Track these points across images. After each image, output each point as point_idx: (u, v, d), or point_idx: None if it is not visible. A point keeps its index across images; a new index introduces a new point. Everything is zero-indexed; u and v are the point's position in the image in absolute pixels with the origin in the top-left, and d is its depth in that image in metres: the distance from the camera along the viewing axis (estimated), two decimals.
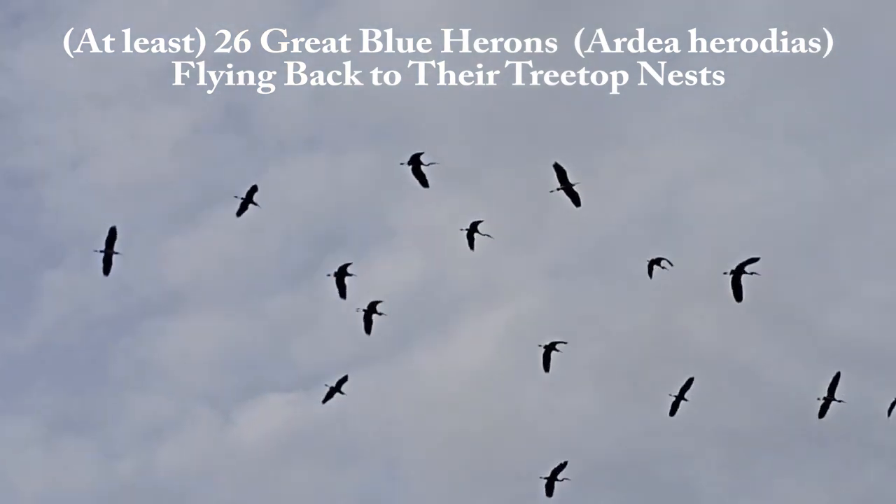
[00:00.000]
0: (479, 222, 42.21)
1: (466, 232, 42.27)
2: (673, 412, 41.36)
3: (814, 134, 54.26)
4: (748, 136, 57.08)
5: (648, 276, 41.86)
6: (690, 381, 46.30)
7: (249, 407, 60.29)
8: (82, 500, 59.64)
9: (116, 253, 42.02)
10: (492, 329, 56.92)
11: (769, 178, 60.15)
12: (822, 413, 42.38)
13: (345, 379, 45.11)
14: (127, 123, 66.98)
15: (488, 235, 42.14)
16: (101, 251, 42.02)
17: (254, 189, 42.92)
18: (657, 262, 41.79)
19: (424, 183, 41.52)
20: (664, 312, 55.50)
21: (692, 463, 55.07)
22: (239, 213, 43.12)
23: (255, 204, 42.92)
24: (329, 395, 46.18)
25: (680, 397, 45.50)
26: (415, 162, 40.85)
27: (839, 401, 42.29)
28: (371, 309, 42.66)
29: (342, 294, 42.45)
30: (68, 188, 67.33)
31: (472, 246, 42.49)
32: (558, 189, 41.52)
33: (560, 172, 40.23)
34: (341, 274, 42.15)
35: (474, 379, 57.06)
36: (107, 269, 42.42)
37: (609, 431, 56.00)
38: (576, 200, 42.21)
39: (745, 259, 44.46)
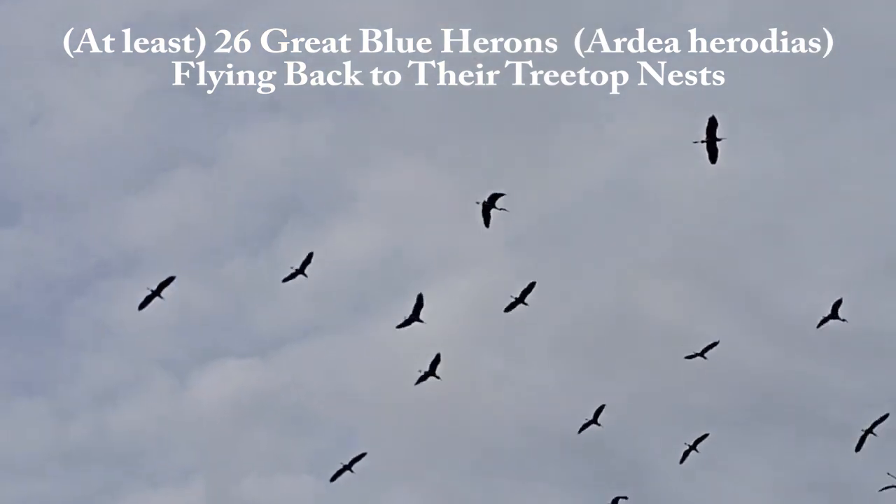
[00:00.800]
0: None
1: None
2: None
3: (774, 113, 54.59)
4: (711, 112, 57.06)
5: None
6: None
7: (205, 372, 60.14)
8: (35, 461, 59.36)
9: (161, 297, 41.10)
10: (451, 299, 56.99)
11: (730, 155, 60.43)
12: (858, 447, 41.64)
13: (361, 457, 43.56)
14: (86, 83, 66.30)
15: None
16: (151, 290, 41.10)
17: (309, 258, 41.89)
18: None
19: (487, 222, 40.35)
20: (623, 287, 55.77)
21: (647, 438, 55.45)
22: (286, 279, 42.28)
23: (305, 275, 41.97)
24: (339, 473, 44.78)
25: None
26: (491, 201, 39.82)
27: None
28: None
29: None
30: (26, 146, 66.63)
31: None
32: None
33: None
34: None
35: (433, 349, 57.10)
36: (143, 305, 41.47)
37: (565, 404, 56.25)
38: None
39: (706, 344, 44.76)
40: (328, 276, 58.61)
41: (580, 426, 41.69)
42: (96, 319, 63.12)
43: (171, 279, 40.70)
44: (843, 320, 42.67)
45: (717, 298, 54.22)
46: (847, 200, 57.06)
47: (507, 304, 42.26)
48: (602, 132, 57.77)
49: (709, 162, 37.97)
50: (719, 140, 36.93)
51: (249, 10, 61.53)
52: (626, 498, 39.62)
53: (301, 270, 41.31)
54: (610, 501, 40.83)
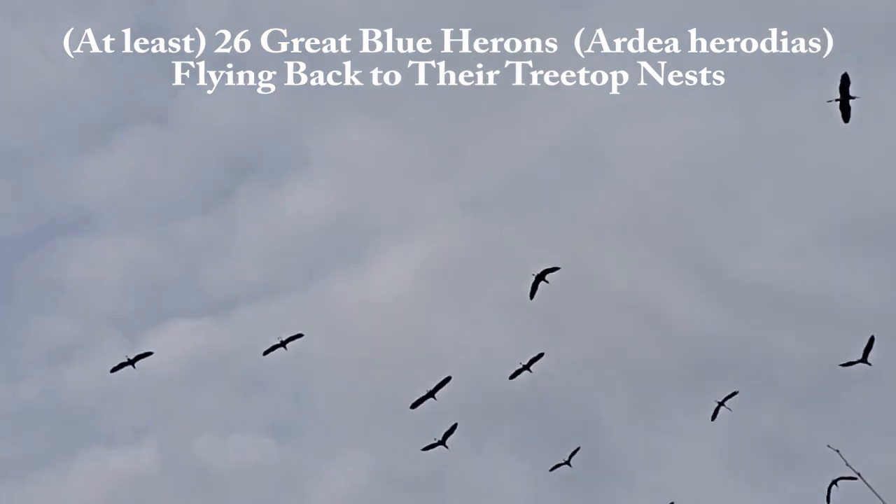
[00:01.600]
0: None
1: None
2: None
3: (731, 75, 54.71)
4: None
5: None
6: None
7: (158, 331, 59.91)
8: None
9: (134, 367, 40.42)
10: (407, 260, 57.05)
11: (686, 118, 60.73)
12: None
13: (453, 428, 42.95)
14: (38, 37, 65.56)
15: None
16: (128, 359, 40.51)
17: (297, 336, 41.35)
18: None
19: (533, 294, 39.84)
20: (578, 249, 55.96)
21: (599, 401, 55.89)
22: (266, 352, 41.78)
23: (285, 348, 41.48)
24: (433, 446, 44.17)
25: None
26: (543, 274, 39.38)
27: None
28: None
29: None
30: None
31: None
32: None
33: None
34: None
35: (387, 310, 57.28)
36: (114, 370, 40.79)
37: (516, 366, 56.50)
38: None
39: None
40: (282, 236, 58.52)
41: (513, 372, 41.40)
42: (48, 278, 62.75)
43: (148, 354, 40.42)
44: (869, 364, 42.22)
45: (669, 261, 54.59)
46: (799, 165, 57.53)
47: (513, 370, 41.94)
48: (559, 96, 57.83)
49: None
50: (853, 98, 36.59)
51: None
52: (578, 449, 39.81)
53: (284, 344, 41.09)
54: (567, 456, 41.01)
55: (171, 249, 60.90)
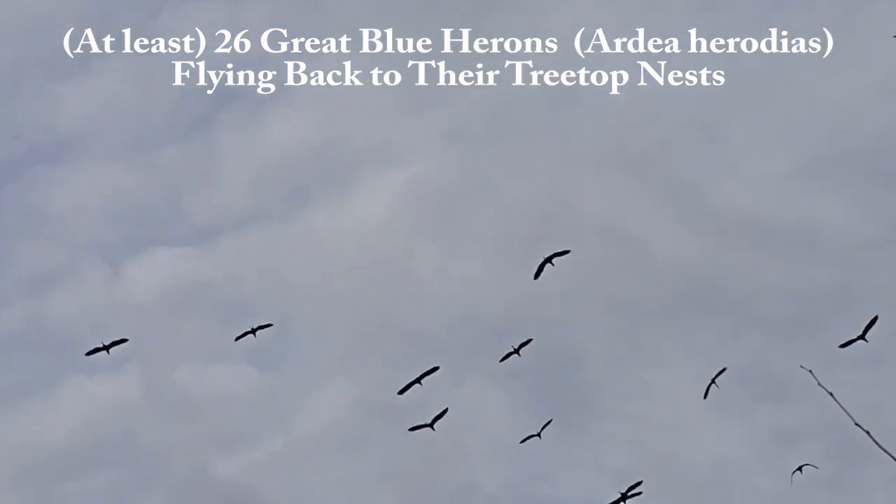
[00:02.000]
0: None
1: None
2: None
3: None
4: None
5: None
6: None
7: (139, 260, 59.74)
8: None
9: (108, 353, 39.61)
10: (388, 190, 56.88)
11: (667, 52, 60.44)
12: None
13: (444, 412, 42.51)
14: None
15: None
16: (103, 346, 39.69)
17: (267, 326, 40.53)
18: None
19: (538, 275, 39.18)
20: (559, 181, 55.90)
21: (580, 331, 56.08)
22: (238, 338, 41.05)
23: (255, 335, 40.56)
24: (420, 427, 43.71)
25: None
26: (551, 257, 38.75)
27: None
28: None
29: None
30: None
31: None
32: None
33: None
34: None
35: (370, 239, 57.18)
36: (91, 352, 40.01)
37: (499, 297, 56.69)
38: None
39: None
40: (264, 164, 58.31)
41: (503, 355, 40.84)
42: (29, 205, 62.41)
43: (123, 340, 39.78)
44: (867, 341, 41.46)
45: (650, 193, 54.59)
46: (781, 96, 57.34)
47: (504, 353, 41.51)
48: (539, 23, 57.49)
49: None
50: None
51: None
52: (550, 422, 39.89)
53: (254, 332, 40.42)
54: (539, 428, 41.06)
55: (153, 177, 60.61)
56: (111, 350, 38.55)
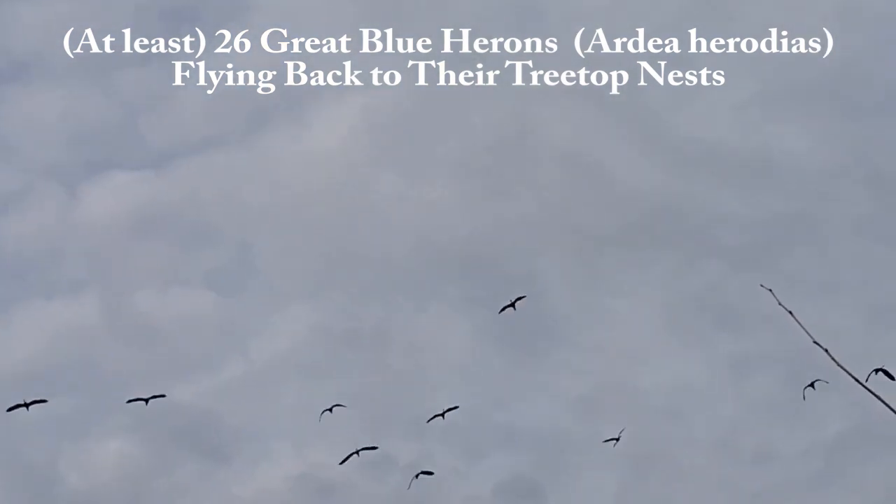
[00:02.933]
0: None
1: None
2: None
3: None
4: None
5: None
6: None
7: (96, 183, 59.21)
8: None
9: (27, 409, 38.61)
10: (348, 115, 56.48)
11: None
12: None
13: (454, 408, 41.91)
14: None
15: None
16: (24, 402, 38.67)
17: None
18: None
19: (502, 310, 38.82)
20: (522, 108, 55.73)
21: (540, 257, 56.21)
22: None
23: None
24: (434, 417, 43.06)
25: None
26: (514, 301, 38.52)
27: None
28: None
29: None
30: None
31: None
32: None
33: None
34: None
35: (330, 164, 56.88)
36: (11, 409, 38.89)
37: (461, 223, 56.66)
38: None
39: None
40: (222, 88, 57.67)
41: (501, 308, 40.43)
42: None
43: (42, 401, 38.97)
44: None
45: (612, 121, 54.52)
46: (739, 23, 57.12)
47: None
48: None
49: None
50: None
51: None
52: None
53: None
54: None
55: (109, 100, 59.90)
56: (30, 407, 37.92)
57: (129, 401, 38.24)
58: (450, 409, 39.08)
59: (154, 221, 57.41)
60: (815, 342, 7.74)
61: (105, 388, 55.62)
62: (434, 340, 55.34)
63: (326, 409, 39.25)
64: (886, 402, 7.13)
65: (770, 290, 8.58)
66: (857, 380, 7.32)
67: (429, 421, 39.31)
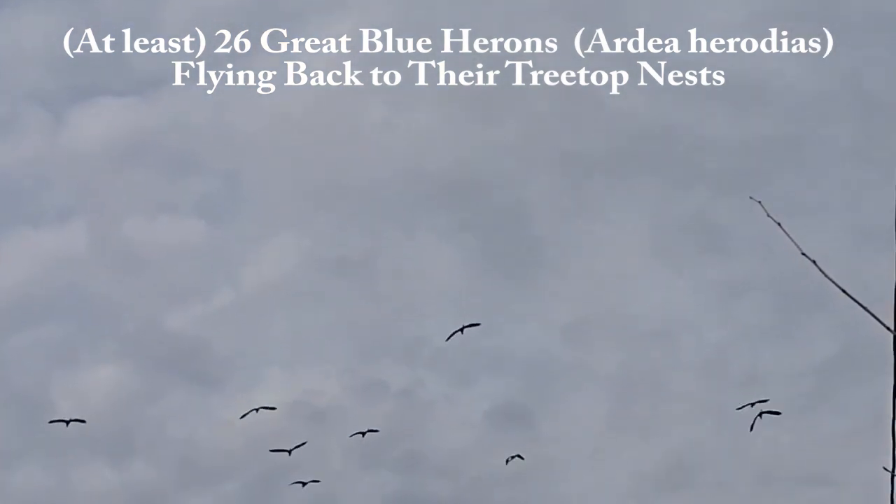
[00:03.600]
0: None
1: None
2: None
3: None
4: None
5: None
6: None
7: (83, 109, 58.83)
8: None
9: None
10: (337, 42, 56.03)
11: None
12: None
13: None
14: None
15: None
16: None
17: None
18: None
19: (451, 336, 38.79)
20: (509, 34, 55.43)
21: (528, 185, 56.18)
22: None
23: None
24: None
25: None
26: (464, 328, 38.45)
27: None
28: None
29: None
30: None
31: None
32: None
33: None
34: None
35: (316, 94, 56.58)
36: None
37: (448, 151, 56.53)
38: None
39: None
40: (209, 12, 57.19)
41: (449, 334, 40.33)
42: None
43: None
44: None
45: (601, 45, 54.13)
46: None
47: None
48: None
49: None
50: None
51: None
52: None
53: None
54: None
55: (94, 22, 59.23)
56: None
57: (52, 421, 38.21)
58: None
59: (141, 148, 57.18)
60: (803, 254, 7.72)
61: (95, 316, 55.79)
62: (422, 267, 55.47)
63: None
64: (876, 315, 7.13)
65: (759, 203, 8.54)
66: (844, 292, 7.31)
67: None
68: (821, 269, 7.24)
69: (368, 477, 49.34)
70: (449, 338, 38.89)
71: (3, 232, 57.30)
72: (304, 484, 40.09)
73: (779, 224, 7.84)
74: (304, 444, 39.62)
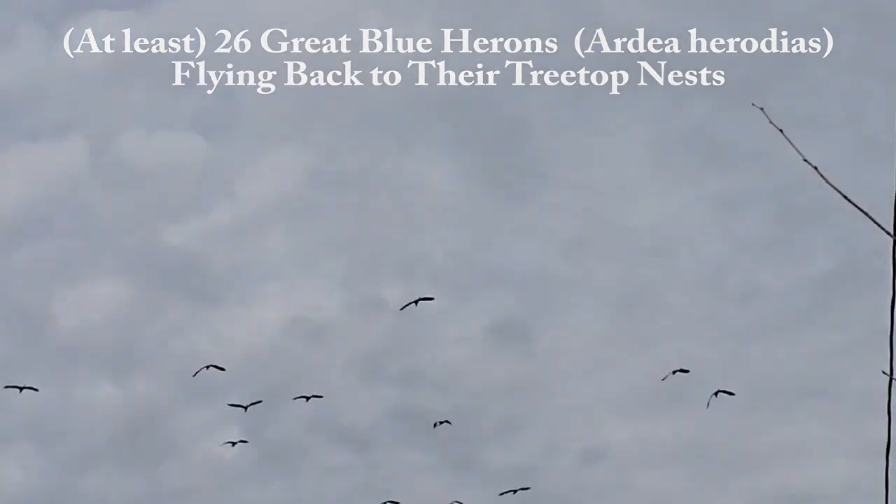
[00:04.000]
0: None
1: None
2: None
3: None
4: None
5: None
6: None
7: (78, 23, 58.32)
8: None
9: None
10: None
11: None
12: None
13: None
14: None
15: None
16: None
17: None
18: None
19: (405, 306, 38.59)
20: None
21: (529, 98, 55.99)
22: None
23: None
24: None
25: None
26: (418, 301, 38.24)
27: None
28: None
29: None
30: None
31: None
32: None
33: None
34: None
35: (315, 4, 56.22)
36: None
37: (447, 65, 56.29)
38: None
39: None
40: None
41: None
42: None
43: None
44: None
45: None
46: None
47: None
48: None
49: None
50: None
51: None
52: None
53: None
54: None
55: None
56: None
57: (6, 387, 38.30)
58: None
59: (137, 63, 56.74)
60: (805, 160, 7.68)
61: (94, 232, 55.81)
62: (421, 182, 55.50)
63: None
64: (876, 220, 7.10)
65: (761, 109, 8.50)
66: (845, 197, 7.27)
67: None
68: (822, 175, 7.20)
69: (368, 392, 49.77)
70: (403, 307, 39.35)
71: (2, 147, 57.18)
72: (307, 399, 40.43)
73: (780, 130, 7.79)
74: (259, 401, 39.89)
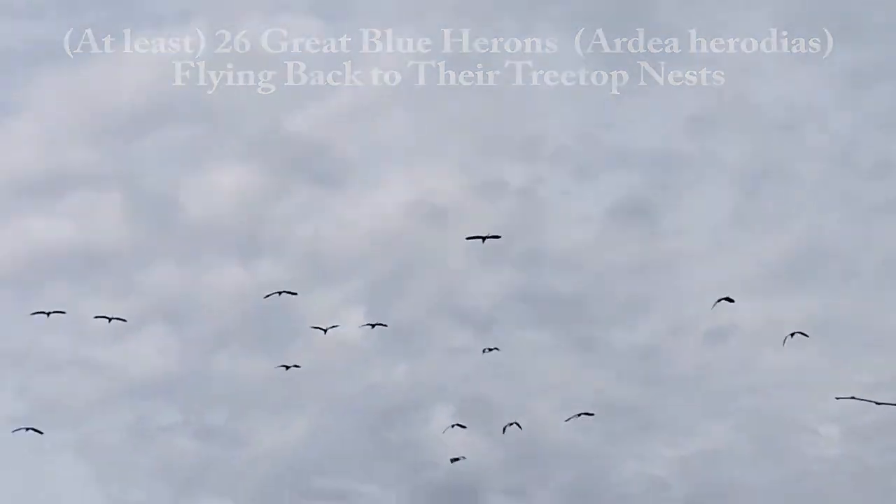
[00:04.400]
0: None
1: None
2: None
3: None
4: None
5: None
6: None
7: None
8: None
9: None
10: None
11: None
12: None
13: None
14: None
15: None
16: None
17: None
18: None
19: (473, 237, 37.76)
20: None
21: None
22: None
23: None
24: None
25: None
26: (486, 237, 37.58)
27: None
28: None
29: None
30: None
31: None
32: None
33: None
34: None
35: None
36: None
37: None
38: None
39: None
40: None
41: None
42: None
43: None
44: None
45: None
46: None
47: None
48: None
49: None
50: None
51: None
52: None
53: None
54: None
55: None
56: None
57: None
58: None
59: None
60: None
61: (218, 119, 56.55)
62: (543, 61, 55.08)
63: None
64: None
65: None
66: None
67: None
68: None
69: (489, 275, 49.97)
70: (470, 238, 39.15)
71: (126, 31, 57.96)
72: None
73: None
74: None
